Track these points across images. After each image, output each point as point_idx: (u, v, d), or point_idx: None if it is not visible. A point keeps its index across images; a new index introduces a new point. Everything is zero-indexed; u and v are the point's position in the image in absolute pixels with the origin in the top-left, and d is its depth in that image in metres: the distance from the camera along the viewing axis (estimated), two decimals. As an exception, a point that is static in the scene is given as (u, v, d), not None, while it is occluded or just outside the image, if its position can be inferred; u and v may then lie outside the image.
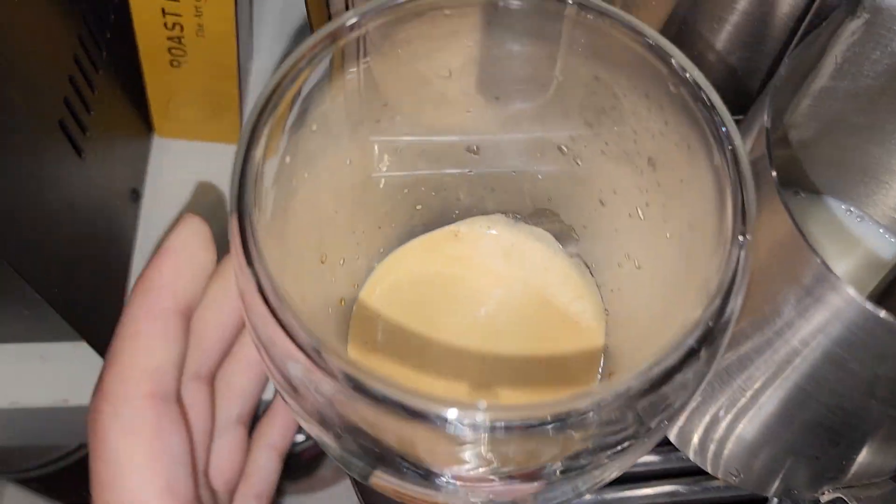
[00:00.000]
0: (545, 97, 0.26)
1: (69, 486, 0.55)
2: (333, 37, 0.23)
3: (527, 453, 0.21)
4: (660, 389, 0.19)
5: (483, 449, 0.19)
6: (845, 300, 0.23)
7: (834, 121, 0.31)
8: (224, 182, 0.46)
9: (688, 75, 0.22)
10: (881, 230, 0.34)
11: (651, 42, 0.23)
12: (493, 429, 0.18)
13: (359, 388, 0.18)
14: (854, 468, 0.30)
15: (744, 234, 0.20)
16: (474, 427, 0.18)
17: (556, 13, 0.24)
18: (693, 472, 0.33)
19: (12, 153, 0.32)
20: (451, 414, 0.17)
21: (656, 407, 0.20)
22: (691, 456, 0.32)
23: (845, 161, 0.33)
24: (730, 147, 0.21)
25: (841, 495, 0.29)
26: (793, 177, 0.34)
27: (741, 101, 0.30)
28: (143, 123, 0.46)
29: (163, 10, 0.39)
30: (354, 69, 0.25)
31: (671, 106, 0.22)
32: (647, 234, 0.26)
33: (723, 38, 0.30)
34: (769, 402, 0.29)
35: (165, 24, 0.40)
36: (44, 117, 0.35)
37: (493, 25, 0.25)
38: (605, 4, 0.23)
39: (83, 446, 0.50)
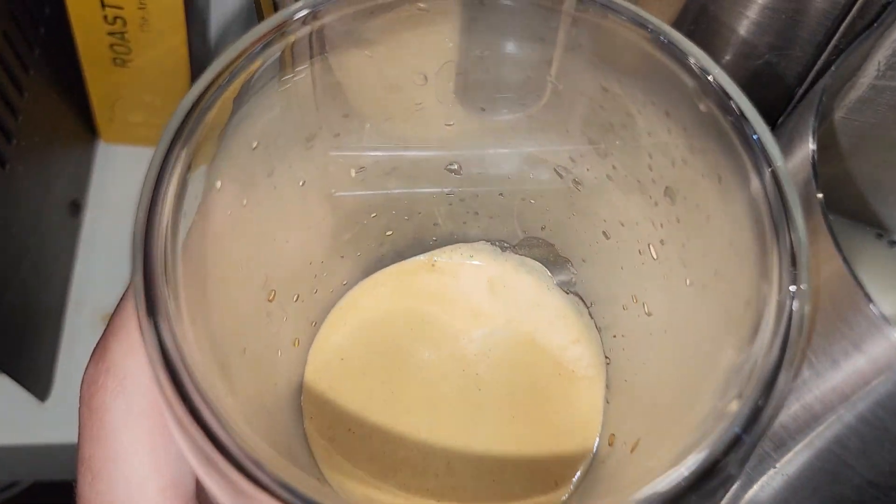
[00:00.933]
0: (540, 109, 0.22)
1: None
2: (279, 32, 0.19)
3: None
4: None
5: None
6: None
7: (870, 136, 0.27)
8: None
9: (710, 78, 0.18)
10: (918, 261, 0.30)
11: (668, 42, 0.18)
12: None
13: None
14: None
15: (796, 283, 0.16)
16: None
17: (552, 8, 0.20)
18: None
19: None
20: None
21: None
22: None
23: (881, 181, 0.28)
24: (769, 169, 0.17)
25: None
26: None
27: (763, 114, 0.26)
28: (87, 128, 0.42)
29: (102, 3, 0.35)
30: (308, 73, 0.21)
31: (698, 128, 0.18)
32: (661, 277, 0.21)
33: (744, 38, 0.26)
34: (790, 467, 0.25)
35: (105, 18, 0.35)
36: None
37: (478, 22, 0.21)
38: (611, -4, 0.19)
39: (15, 484, 0.45)
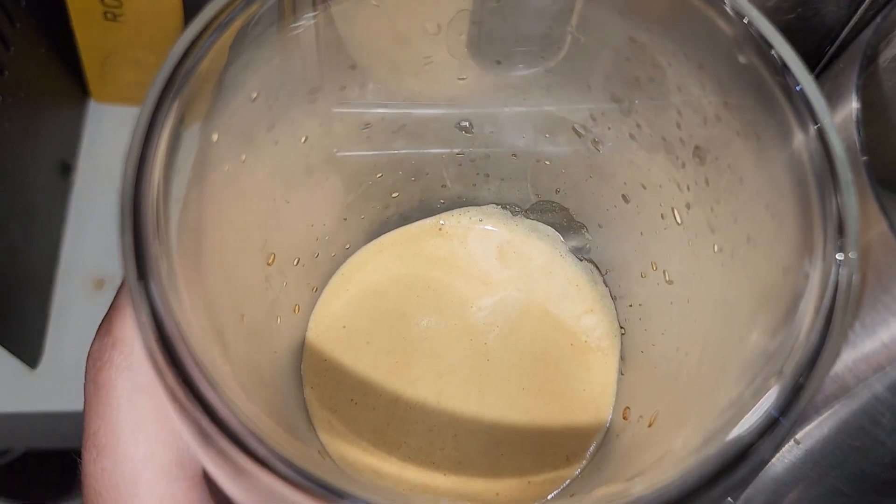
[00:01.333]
0: (560, 63, 0.21)
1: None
2: (280, -27, 0.17)
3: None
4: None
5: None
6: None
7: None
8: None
9: (747, 22, 0.16)
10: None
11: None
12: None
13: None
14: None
15: (843, 251, 0.14)
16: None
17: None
18: None
19: None
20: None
21: None
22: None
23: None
24: (815, 126, 0.15)
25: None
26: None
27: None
28: (77, 87, 0.40)
29: (92, -49, 0.33)
30: (312, 20, 0.19)
31: (735, 82, 0.17)
32: (686, 243, 0.20)
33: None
34: (811, 440, 0.24)
35: (96, -32, 0.33)
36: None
37: (493, -33, 0.20)
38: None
39: (7, 452, 0.44)
